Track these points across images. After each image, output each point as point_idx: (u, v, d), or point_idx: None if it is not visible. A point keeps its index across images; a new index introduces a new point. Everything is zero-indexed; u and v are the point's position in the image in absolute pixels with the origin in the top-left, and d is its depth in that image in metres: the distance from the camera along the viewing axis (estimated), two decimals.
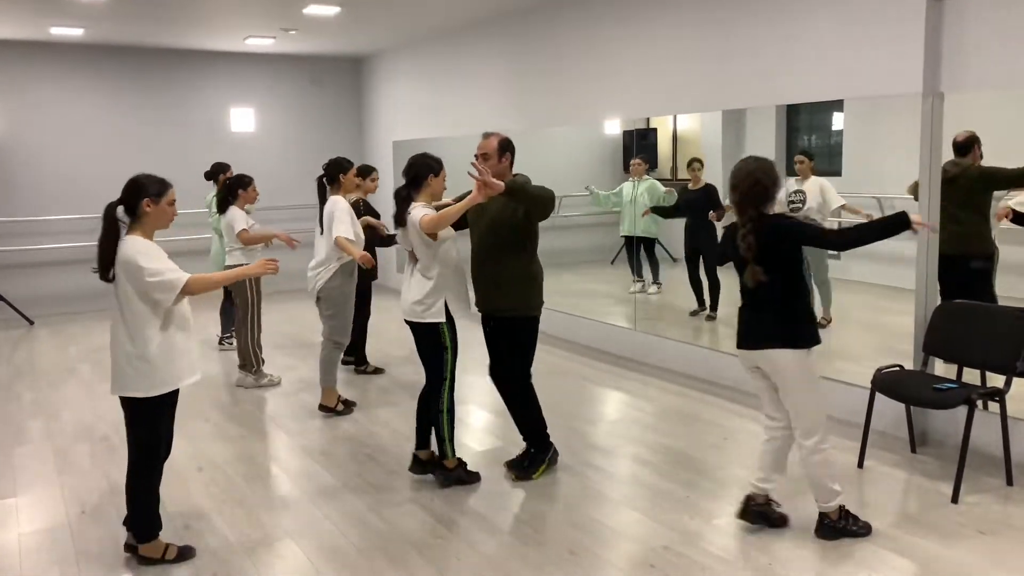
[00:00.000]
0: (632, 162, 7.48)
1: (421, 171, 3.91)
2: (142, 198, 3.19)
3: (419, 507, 3.82)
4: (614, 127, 7.98)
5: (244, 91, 10.18)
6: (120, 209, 3.19)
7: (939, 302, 4.39)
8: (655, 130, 7.87)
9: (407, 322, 3.97)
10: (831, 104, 6.02)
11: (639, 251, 7.50)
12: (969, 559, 3.21)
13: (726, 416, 5.05)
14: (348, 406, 5.30)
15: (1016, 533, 3.41)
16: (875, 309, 6.06)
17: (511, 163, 3.98)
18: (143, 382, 3.13)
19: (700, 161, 6.94)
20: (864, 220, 3.91)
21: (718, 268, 6.62)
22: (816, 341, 3.26)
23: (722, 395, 5.46)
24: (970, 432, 3.72)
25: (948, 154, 4.41)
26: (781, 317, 3.25)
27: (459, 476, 4.05)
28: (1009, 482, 3.88)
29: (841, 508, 3.39)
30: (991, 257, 4.77)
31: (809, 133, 6.81)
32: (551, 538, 3.48)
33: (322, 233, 5.18)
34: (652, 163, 7.84)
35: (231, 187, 5.89)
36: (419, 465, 4.13)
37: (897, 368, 4.21)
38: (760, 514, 3.48)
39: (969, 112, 4.57)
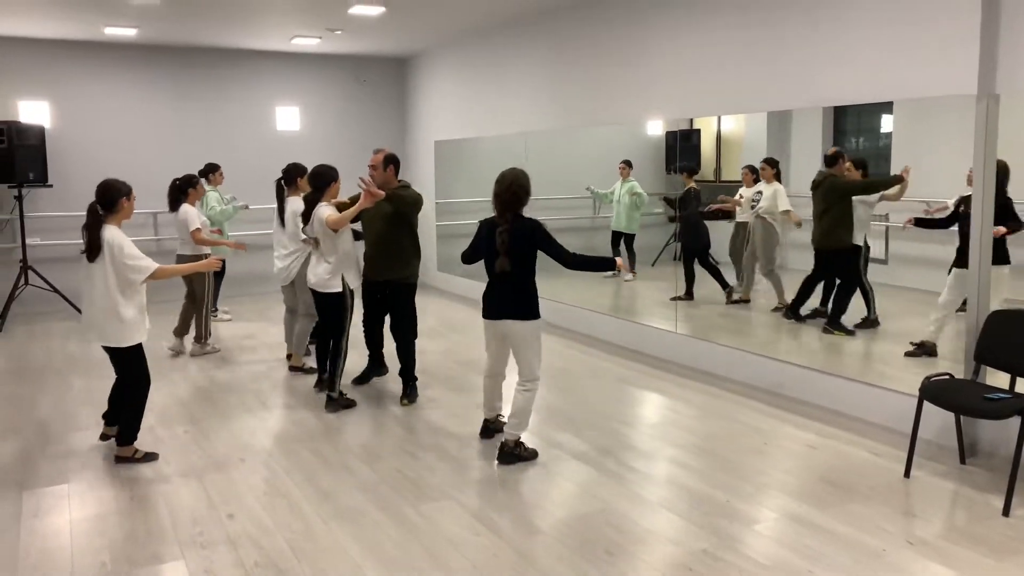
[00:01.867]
0: (619, 165, 8.45)
1: (325, 179, 5.17)
2: (121, 196, 4.26)
3: (457, 504, 3.84)
4: (657, 127, 7.93)
5: (290, 90, 10.34)
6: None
7: (992, 309, 4.28)
8: (699, 131, 7.79)
9: (314, 291, 5.25)
10: (880, 106, 5.91)
11: (619, 244, 8.53)
12: (1019, 573, 3.13)
13: (766, 420, 4.98)
14: (313, 371, 6.12)
15: None
16: (923, 316, 5.93)
17: (396, 172, 5.30)
18: (125, 336, 4.18)
19: (690, 168, 7.55)
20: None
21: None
22: (538, 316, 4.26)
23: (762, 399, 5.39)
24: (1023, 443, 3.62)
25: (1005, 157, 4.28)
26: (519, 297, 4.22)
27: (344, 403, 5.31)
28: None
29: (518, 438, 4.33)
30: (851, 250, 5.82)
31: (857, 135, 6.69)
32: (589, 538, 3.47)
33: (284, 228, 6.00)
34: (695, 164, 7.80)
35: (182, 186, 6.64)
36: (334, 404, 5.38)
37: (947, 376, 4.11)
38: (496, 429, 4.63)
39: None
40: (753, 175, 6.99)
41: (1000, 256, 4.54)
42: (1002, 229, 4.45)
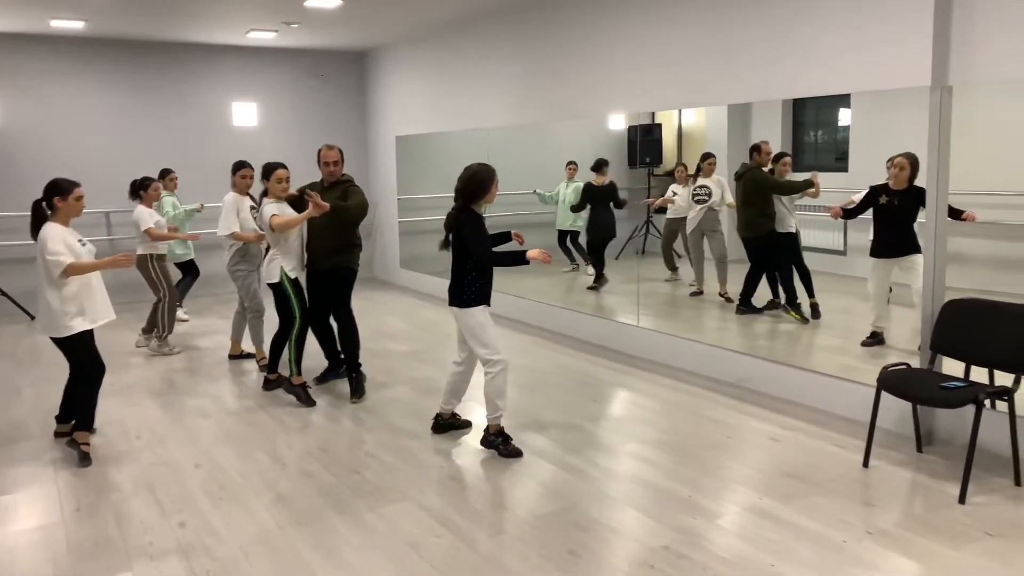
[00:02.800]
0: (567, 166, 8.61)
1: (265, 171, 5.31)
2: (54, 196, 4.30)
3: (417, 506, 3.78)
4: (619, 122, 7.92)
5: (246, 85, 10.13)
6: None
7: (947, 299, 4.33)
8: (660, 125, 7.80)
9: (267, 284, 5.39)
10: (838, 99, 5.95)
11: (566, 241, 8.83)
12: (976, 561, 3.16)
13: (730, 414, 5.00)
14: (249, 357, 6.50)
15: None
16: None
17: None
18: (57, 326, 4.28)
19: (607, 161, 8.00)
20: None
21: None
22: (479, 303, 4.34)
23: (727, 393, 5.40)
24: (978, 431, 3.66)
25: (956, 147, 4.33)
26: (455, 286, 4.38)
27: (299, 392, 5.37)
28: (1017, 482, 3.82)
29: (500, 428, 4.44)
30: (772, 237, 6.23)
31: (816, 128, 6.74)
32: (552, 538, 3.44)
33: None
34: (657, 158, 7.84)
35: (135, 188, 6.80)
36: (269, 384, 5.68)
37: (904, 366, 4.14)
38: (448, 425, 4.76)
39: (977, 105, 4.51)
40: (686, 171, 7.23)
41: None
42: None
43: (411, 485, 4.02)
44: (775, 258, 6.29)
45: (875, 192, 5.20)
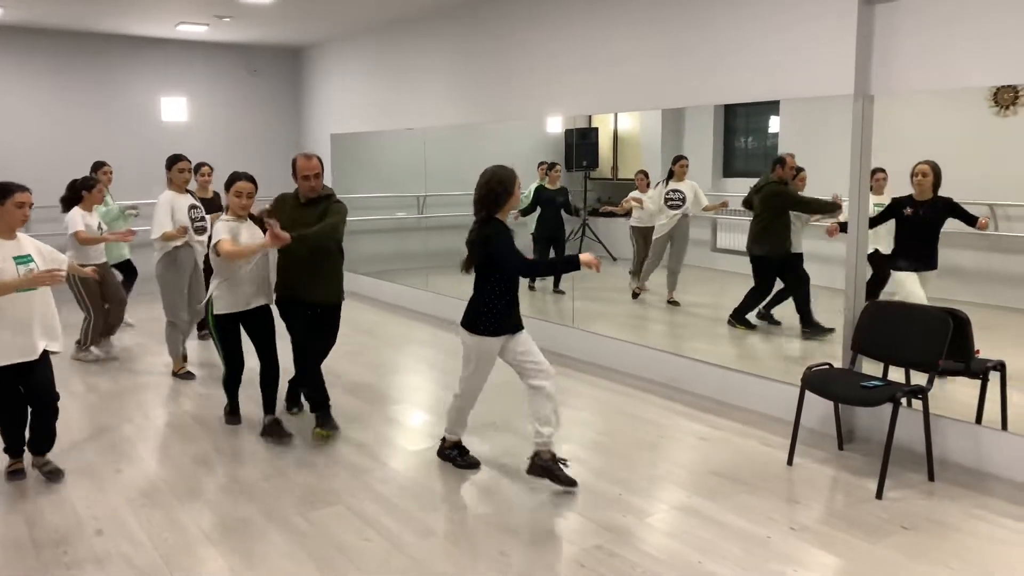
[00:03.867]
0: (545, 166, 8.25)
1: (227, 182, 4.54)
2: None
3: (347, 509, 3.72)
4: (556, 125, 7.97)
5: (176, 80, 9.84)
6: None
7: (866, 302, 4.48)
8: (596, 129, 7.89)
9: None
10: (768, 106, 6.12)
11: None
12: (892, 554, 3.27)
13: (661, 414, 5.07)
14: (188, 375, 5.93)
15: (937, 528, 3.49)
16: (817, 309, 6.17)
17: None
18: None
19: (556, 164, 7.85)
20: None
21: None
22: (490, 333, 3.88)
23: (658, 392, 5.48)
24: (894, 429, 3.80)
25: (878, 155, 4.50)
26: (473, 304, 3.91)
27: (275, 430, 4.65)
28: (931, 478, 3.98)
29: (457, 442, 4.25)
30: (786, 257, 5.74)
31: (746, 134, 6.91)
32: (483, 539, 3.43)
33: None
34: (593, 162, 7.90)
35: (76, 189, 6.05)
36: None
37: (826, 366, 4.27)
38: (454, 456, 4.25)
39: (901, 113, 4.69)
40: (646, 179, 7.07)
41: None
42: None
43: (343, 489, 3.96)
44: (786, 278, 5.83)
45: (898, 204, 4.93)
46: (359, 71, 9.45)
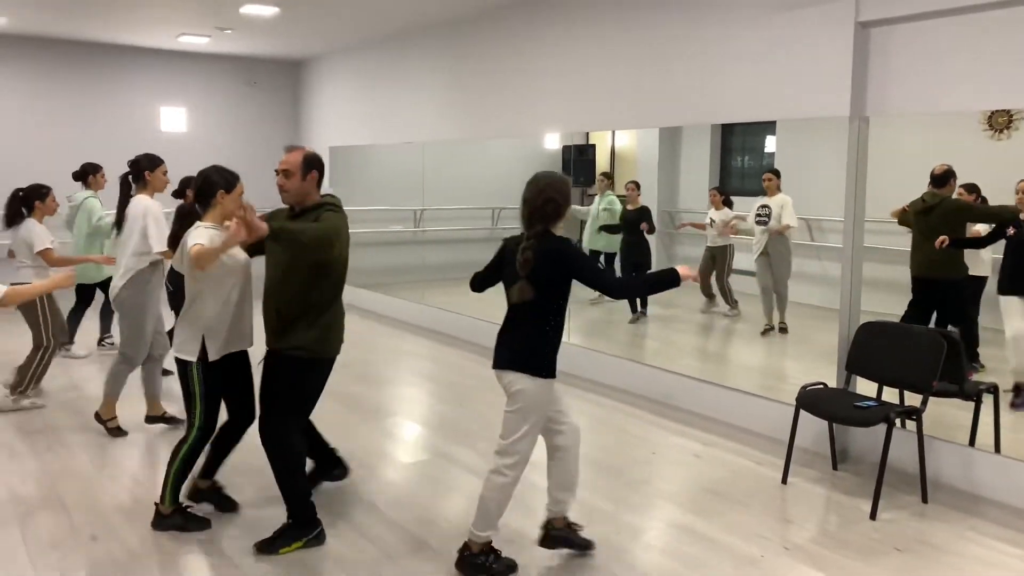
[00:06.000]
0: (598, 178, 7.63)
1: (210, 186, 3.48)
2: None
3: (342, 520, 3.70)
4: (554, 141, 8.01)
5: (176, 90, 9.89)
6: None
7: (861, 321, 4.50)
8: (593, 146, 7.94)
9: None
10: (764, 126, 6.17)
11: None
12: (885, 575, 3.27)
13: (654, 431, 5.07)
14: (119, 431, 4.84)
15: (930, 550, 3.50)
16: (808, 328, 6.20)
17: (318, 182, 3.47)
18: None
19: (637, 183, 7.11)
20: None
21: None
22: (552, 375, 3.16)
23: (651, 409, 5.48)
24: (888, 450, 3.81)
25: (873, 177, 4.53)
26: (529, 339, 3.13)
27: (178, 522, 3.56)
28: (924, 499, 3.99)
29: (488, 544, 3.21)
30: (963, 280, 5.00)
31: (743, 154, 6.96)
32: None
33: (119, 237, 4.72)
34: (589, 179, 7.92)
35: (27, 197, 5.32)
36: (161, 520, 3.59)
37: (821, 386, 4.29)
38: (488, 564, 3.20)
39: (896, 136, 4.73)
40: (721, 196, 6.60)
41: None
42: None
43: (336, 501, 3.94)
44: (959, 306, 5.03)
45: (1004, 224, 4.65)
46: (358, 85, 9.50)
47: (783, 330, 6.23)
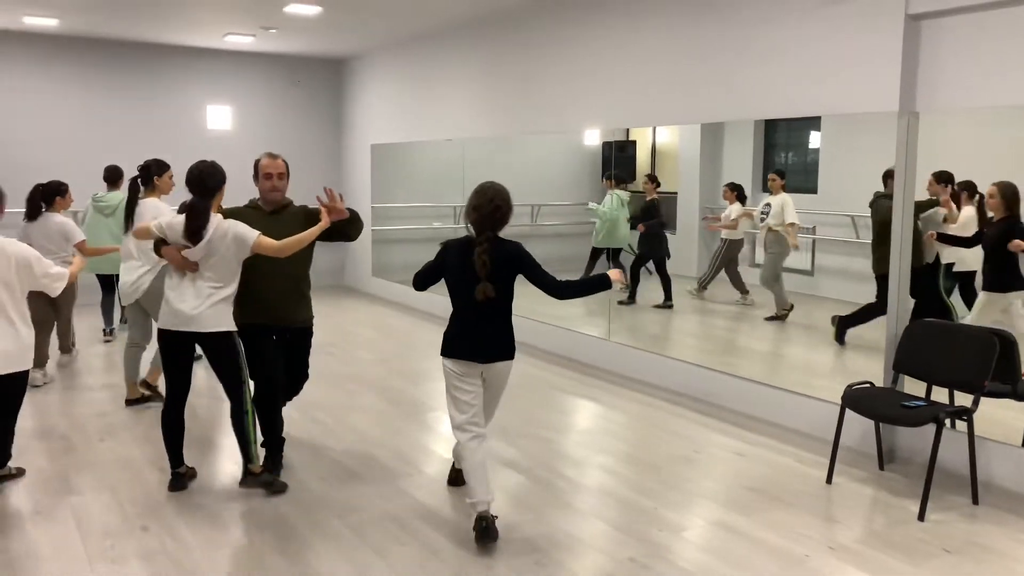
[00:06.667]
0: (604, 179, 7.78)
1: (217, 182, 3.88)
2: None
3: (384, 514, 3.75)
4: (593, 138, 7.99)
5: (222, 89, 10.07)
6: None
7: (909, 320, 4.42)
8: (634, 142, 7.88)
9: (191, 333, 3.78)
10: (808, 122, 6.07)
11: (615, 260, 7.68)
12: None
13: (695, 428, 5.04)
14: (153, 392, 5.39)
15: (981, 552, 3.42)
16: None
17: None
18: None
19: (651, 176, 7.34)
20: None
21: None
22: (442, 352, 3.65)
23: (692, 407, 5.45)
24: (937, 450, 3.74)
25: (923, 173, 4.44)
26: (506, 330, 3.58)
27: (266, 481, 3.95)
28: (975, 501, 3.90)
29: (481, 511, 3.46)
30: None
31: (786, 150, 6.85)
32: (517, 548, 3.43)
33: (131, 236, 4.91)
34: (630, 175, 7.88)
35: (48, 192, 5.82)
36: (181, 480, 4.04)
37: (867, 385, 4.22)
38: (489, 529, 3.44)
39: (944, 131, 4.63)
40: (734, 192, 6.68)
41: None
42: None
43: (378, 494, 4.00)
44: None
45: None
46: (399, 82, 9.58)
47: (780, 318, 6.37)
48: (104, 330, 7.41)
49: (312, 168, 10.70)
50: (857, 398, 4.11)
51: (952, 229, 4.83)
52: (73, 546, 3.41)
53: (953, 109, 4.25)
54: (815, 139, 6.45)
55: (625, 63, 6.32)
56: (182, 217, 3.78)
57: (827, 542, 3.50)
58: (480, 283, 3.44)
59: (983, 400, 3.86)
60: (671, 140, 7.77)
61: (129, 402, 5.36)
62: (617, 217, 7.58)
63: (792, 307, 6.31)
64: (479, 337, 3.54)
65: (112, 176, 6.96)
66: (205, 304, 3.74)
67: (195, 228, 3.72)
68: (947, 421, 3.90)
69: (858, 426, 4.39)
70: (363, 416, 5.26)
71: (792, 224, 6.17)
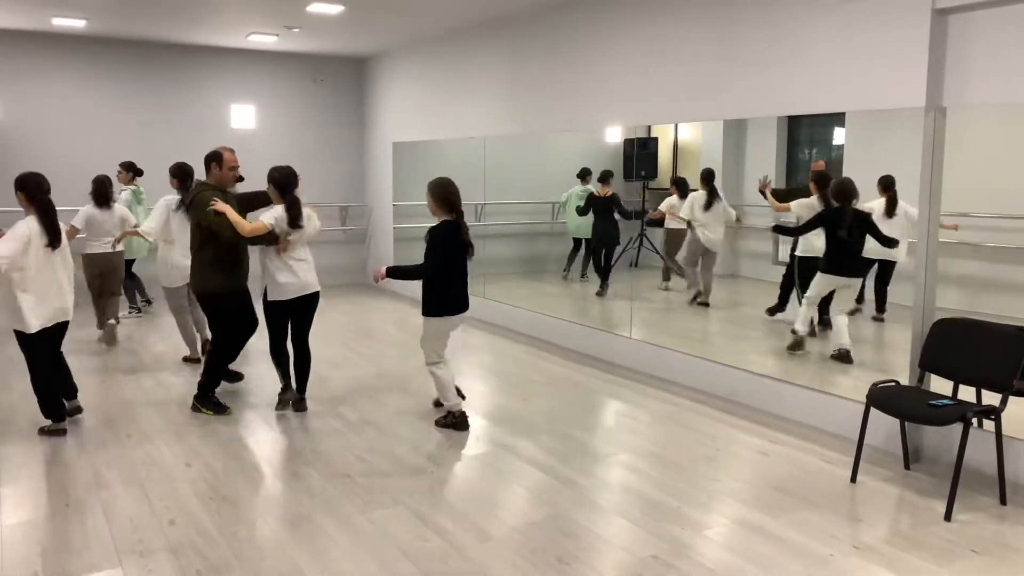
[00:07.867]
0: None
1: (296, 181, 5.07)
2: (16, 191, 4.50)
3: (407, 510, 3.78)
4: (615, 135, 7.97)
5: (246, 88, 10.16)
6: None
7: (936, 318, 4.37)
8: (656, 139, 7.85)
9: (310, 296, 5.13)
10: (832, 118, 6.01)
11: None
12: None
13: (719, 427, 5.02)
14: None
15: (1009, 553, 3.39)
16: (872, 324, 6.05)
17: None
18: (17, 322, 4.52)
19: (612, 172, 8.08)
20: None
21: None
22: (439, 313, 4.98)
23: (716, 406, 5.43)
24: (964, 450, 3.69)
25: (950, 168, 4.39)
26: (425, 294, 4.96)
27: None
28: (1003, 501, 3.86)
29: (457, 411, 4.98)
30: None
31: (810, 146, 6.80)
32: (540, 545, 3.45)
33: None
34: (652, 172, 7.87)
35: (108, 182, 7.02)
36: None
37: (893, 383, 4.18)
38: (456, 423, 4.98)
39: (969, 127, 4.57)
40: (679, 188, 7.40)
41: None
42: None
43: (401, 489, 4.02)
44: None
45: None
46: (420, 81, 9.60)
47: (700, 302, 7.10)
48: (130, 310, 8.29)
49: (334, 166, 10.80)
50: (882, 397, 4.07)
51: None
52: (103, 539, 3.47)
53: (981, 105, 4.19)
54: (839, 135, 6.39)
55: (648, 60, 6.29)
56: (280, 210, 4.92)
57: (852, 542, 3.48)
58: (471, 250, 4.97)
59: (1011, 399, 3.81)
60: (694, 137, 7.74)
61: (187, 360, 6.51)
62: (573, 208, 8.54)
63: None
64: (465, 296, 5.05)
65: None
66: (313, 272, 5.16)
67: (297, 218, 4.94)
68: (974, 420, 3.86)
69: (883, 425, 4.35)
70: (387, 412, 5.29)
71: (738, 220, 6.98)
